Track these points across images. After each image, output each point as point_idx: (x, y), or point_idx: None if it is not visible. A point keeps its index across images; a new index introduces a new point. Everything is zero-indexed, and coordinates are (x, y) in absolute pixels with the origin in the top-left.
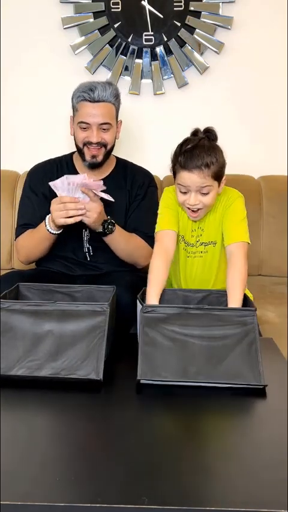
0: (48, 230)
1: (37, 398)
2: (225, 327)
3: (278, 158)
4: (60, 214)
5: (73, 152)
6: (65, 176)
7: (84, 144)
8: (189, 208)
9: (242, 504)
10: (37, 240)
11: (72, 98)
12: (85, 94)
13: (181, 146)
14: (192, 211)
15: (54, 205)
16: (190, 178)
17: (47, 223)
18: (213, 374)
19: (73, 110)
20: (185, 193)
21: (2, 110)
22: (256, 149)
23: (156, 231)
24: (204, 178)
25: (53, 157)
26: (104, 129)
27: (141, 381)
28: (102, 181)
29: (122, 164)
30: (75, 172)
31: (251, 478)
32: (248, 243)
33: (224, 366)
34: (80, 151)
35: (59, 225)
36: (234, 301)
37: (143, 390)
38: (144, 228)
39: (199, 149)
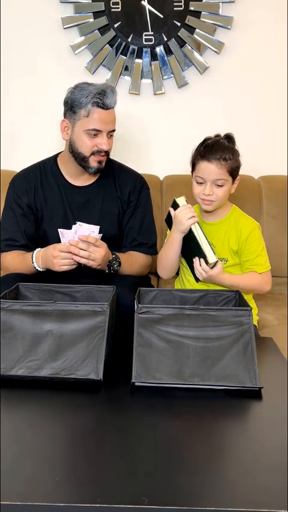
0: (35, 267)
1: (37, 398)
2: (221, 328)
3: (278, 158)
4: (64, 262)
5: (57, 155)
6: (77, 225)
7: (92, 153)
8: (203, 200)
9: (242, 504)
10: (26, 268)
11: (76, 100)
12: (99, 100)
13: (203, 141)
14: (205, 201)
15: (58, 252)
16: (209, 168)
17: (34, 261)
18: (209, 376)
19: (74, 114)
20: (201, 183)
21: (2, 110)
22: (256, 149)
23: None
24: (221, 169)
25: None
26: (110, 135)
27: (136, 384)
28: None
29: (110, 165)
30: (61, 177)
31: (250, 478)
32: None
33: (220, 367)
34: (83, 158)
35: (59, 271)
36: (231, 276)
37: (140, 391)
38: (143, 238)
39: (219, 145)
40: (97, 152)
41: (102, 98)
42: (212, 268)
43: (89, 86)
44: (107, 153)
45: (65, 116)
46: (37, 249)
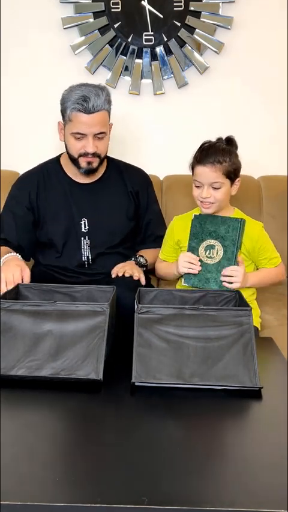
0: None
1: (37, 398)
2: (221, 328)
3: (278, 158)
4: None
5: (59, 156)
6: None
7: (80, 155)
8: (202, 202)
9: (242, 504)
10: None
11: (62, 104)
12: (79, 106)
13: (201, 146)
14: (204, 204)
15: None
16: (204, 172)
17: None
18: (209, 376)
19: (63, 117)
20: (199, 187)
21: (2, 110)
22: (256, 149)
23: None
24: (216, 172)
25: (53, 157)
26: (98, 138)
27: (136, 384)
28: None
29: (114, 163)
30: (65, 176)
31: (250, 478)
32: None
33: (220, 367)
34: (74, 159)
35: None
36: (253, 274)
37: (139, 391)
38: (160, 230)
39: (214, 149)
40: (84, 154)
41: (84, 103)
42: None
43: (77, 89)
44: (98, 155)
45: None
46: (6, 256)
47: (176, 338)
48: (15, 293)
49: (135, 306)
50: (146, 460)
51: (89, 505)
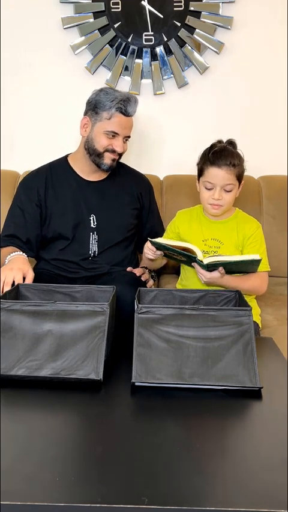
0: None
1: (37, 398)
2: (221, 328)
3: (278, 158)
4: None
5: (66, 156)
6: None
7: (106, 150)
8: (211, 204)
9: (242, 504)
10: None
11: (99, 102)
12: (122, 107)
13: (210, 148)
14: (214, 206)
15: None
16: (219, 174)
17: (6, 261)
18: (209, 376)
19: (96, 114)
20: (210, 189)
21: (2, 110)
22: (256, 149)
23: None
24: (231, 175)
25: (53, 156)
26: (125, 140)
27: (136, 384)
28: None
29: (120, 164)
30: (74, 173)
31: (250, 478)
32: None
33: (220, 367)
34: (98, 154)
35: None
36: (233, 279)
37: (139, 391)
38: (160, 230)
39: (227, 151)
40: (111, 151)
41: (126, 105)
42: (211, 271)
43: (115, 92)
44: (120, 155)
45: (85, 114)
46: (13, 254)
47: (176, 338)
48: (15, 293)
49: (135, 306)
50: (146, 460)
51: (89, 505)
